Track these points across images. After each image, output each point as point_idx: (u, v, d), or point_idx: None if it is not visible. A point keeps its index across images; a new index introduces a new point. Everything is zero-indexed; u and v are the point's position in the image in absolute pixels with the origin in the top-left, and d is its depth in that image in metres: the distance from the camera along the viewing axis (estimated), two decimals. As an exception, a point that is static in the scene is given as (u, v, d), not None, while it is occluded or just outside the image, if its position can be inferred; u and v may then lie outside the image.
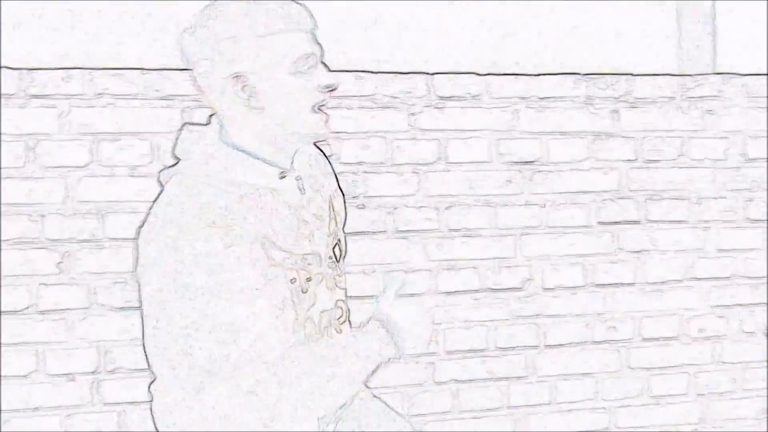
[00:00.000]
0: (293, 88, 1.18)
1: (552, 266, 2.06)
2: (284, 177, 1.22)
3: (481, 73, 2.02)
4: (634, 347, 2.11)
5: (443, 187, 2.00)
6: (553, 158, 2.06)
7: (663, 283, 2.12)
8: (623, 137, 2.09)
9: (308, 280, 1.23)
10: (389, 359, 1.27)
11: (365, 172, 1.95)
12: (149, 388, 1.23)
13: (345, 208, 1.42)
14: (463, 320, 2.01)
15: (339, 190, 1.41)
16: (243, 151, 1.21)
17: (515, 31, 2.04)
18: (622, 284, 2.10)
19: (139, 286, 1.20)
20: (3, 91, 1.77)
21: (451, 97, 2.00)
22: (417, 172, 1.99)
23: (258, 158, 1.21)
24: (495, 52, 2.03)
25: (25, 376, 1.80)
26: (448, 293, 2.00)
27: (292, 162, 1.26)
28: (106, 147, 1.82)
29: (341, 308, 1.31)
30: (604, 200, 2.09)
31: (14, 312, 1.79)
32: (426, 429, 2.01)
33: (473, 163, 2.01)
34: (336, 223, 1.36)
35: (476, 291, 2.02)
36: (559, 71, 2.07)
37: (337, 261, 1.33)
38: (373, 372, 1.27)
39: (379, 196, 1.96)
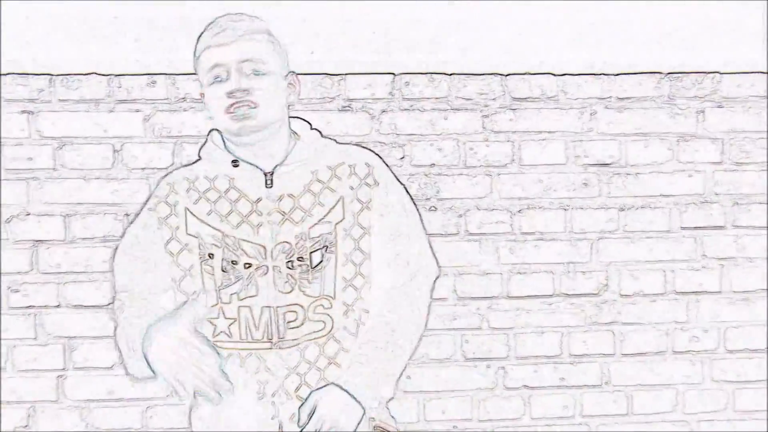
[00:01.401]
0: (211, 95, 1.46)
1: (630, 272, 2.05)
2: (236, 165, 1.45)
3: (556, 73, 2.03)
4: (717, 359, 2.07)
5: (516, 189, 2.02)
6: (632, 160, 2.05)
7: (750, 292, 2.07)
8: (709, 138, 2.06)
9: (233, 262, 1.41)
10: None
11: (437, 174, 2.00)
12: None
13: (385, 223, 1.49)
14: (536, 326, 2.03)
15: (386, 206, 1.49)
16: (221, 147, 1.49)
17: (592, 30, 2.04)
18: (706, 292, 2.06)
19: None
20: (93, 96, 1.93)
21: (525, 98, 2.02)
22: (490, 174, 2.02)
23: (225, 150, 1.47)
24: (571, 52, 2.04)
25: (109, 368, 1.94)
26: (520, 297, 2.03)
27: (283, 160, 1.46)
28: (187, 149, 1.95)
29: (295, 312, 1.42)
30: (687, 204, 2.06)
31: (99, 306, 1.93)
32: (496, 435, 2.04)
33: (548, 165, 2.03)
34: (340, 232, 1.44)
35: (549, 296, 2.03)
36: (639, 70, 2.05)
37: (312, 267, 1.42)
38: None
39: (451, 198, 2.00)
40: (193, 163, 1.55)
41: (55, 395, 1.94)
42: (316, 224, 1.44)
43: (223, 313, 1.43)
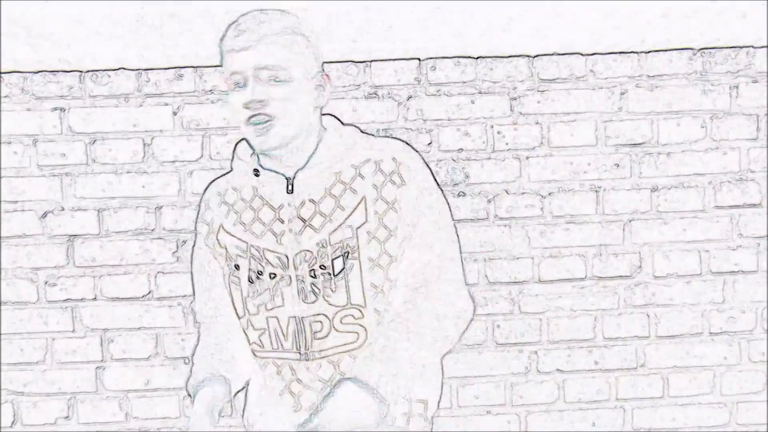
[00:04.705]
0: (231, 103, 1.42)
1: (663, 253, 2.13)
2: (257, 175, 1.45)
3: (585, 52, 2.10)
4: (755, 339, 2.15)
5: (546, 172, 2.11)
6: (663, 139, 2.12)
7: (787, 270, 2.14)
8: (743, 114, 2.12)
9: (259, 273, 1.43)
10: None
11: (465, 159, 2.10)
12: None
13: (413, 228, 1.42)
14: (568, 309, 2.13)
15: (414, 208, 1.42)
16: (246, 157, 1.49)
17: (621, 7, 2.10)
18: (743, 272, 2.14)
19: None
20: (122, 91, 2.06)
21: (554, 79, 2.10)
22: (518, 158, 2.11)
23: (246, 160, 1.48)
24: (600, 31, 2.10)
25: (146, 359, 2.09)
26: (552, 281, 2.12)
27: (307, 162, 1.44)
28: (215, 141, 2.08)
29: (321, 323, 1.41)
30: (721, 183, 2.13)
31: (135, 299, 2.08)
32: (529, 419, 2.14)
33: (578, 147, 2.11)
34: (358, 237, 1.40)
35: (582, 279, 2.13)
36: (670, 47, 2.11)
37: (334, 275, 1.40)
38: None
39: (480, 183, 2.10)
40: (228, 173, 1.54)
41: (94, 386, 2.09)
42: (336, 229, 1.41)
43: (252, 324, 1.45)
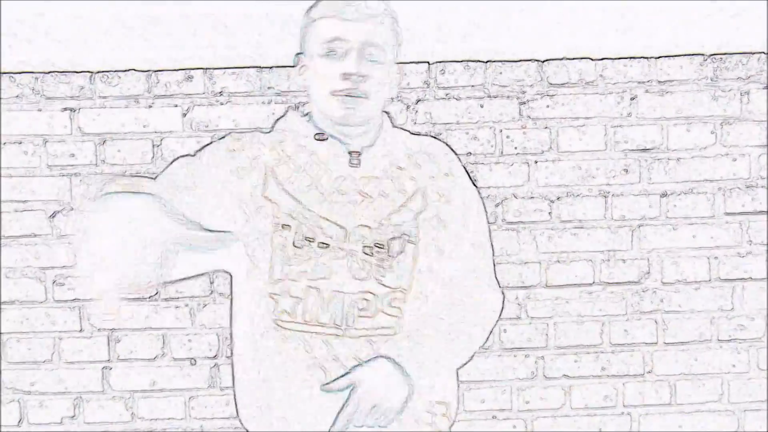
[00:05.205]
0: (319, 68, 1.41)
1: (672, 260, 2.14)
2: (322, 140, 1.44)
3: (595, 57, 2.12)
4: (764, 347, 2.15)
5: (554, 177, 2.12)
6: (673, 145, 2.13)
7: (797, 278, 2.14)
8: (754, 121, 2.13)
9: (309, 239, 1.39)
10: None
11: (474, 163, 2.11)
12: None
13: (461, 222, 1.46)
14: (576, 315, 2.14)
15: (464, 203, 1.47)
16: (305, 120, 1.47)
17: (631, 11, 2.11)
18: (752, 279, 2.14)
19: None
20: (132, 92, 2.09)
21: (563, 83, 2.12)
22: (527, 162, 2.13)
23: (307, 124, 1.46)
24: (610, 35, 2.11)
25: (152, 360, 2.11)
26: (560, 286, 2.13)
27: (373, 143, 1.45)
28: (224, 143, 2.10)
29: (367, 300, 1.39)
30: (731, 189, 2.14)
31: (142, 299, 2.10)
32: (535, 425, 2.15)
33: (587, 152, 2.12)
34: (414, 217, 1.42)
35: (590, 284, 2.13)
36: (681, 53, 2.12)
37: (390, 255, 1.40)
38: None
39: (488, 187, 2.11)
40: (266, 133, 1.50)
41: (100, 386, 2.11)
42: (397, 211, 1.43)
43: (288, 291, 1.39)
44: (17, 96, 2.07)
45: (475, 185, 1.55)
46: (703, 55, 2.11)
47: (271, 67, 2.07)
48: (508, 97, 2.11)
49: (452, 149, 1.54)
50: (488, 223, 1.55)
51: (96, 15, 2.04)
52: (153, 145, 2.10)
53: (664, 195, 2.13)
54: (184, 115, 2.09)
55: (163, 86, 2.08)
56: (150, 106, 2.09)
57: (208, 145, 1.51)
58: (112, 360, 2.11)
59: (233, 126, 2.09)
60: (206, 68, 2.07)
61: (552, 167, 2.12)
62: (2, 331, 2.08)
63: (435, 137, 1.63)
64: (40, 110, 2.08)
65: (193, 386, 2.11)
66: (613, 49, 2.11)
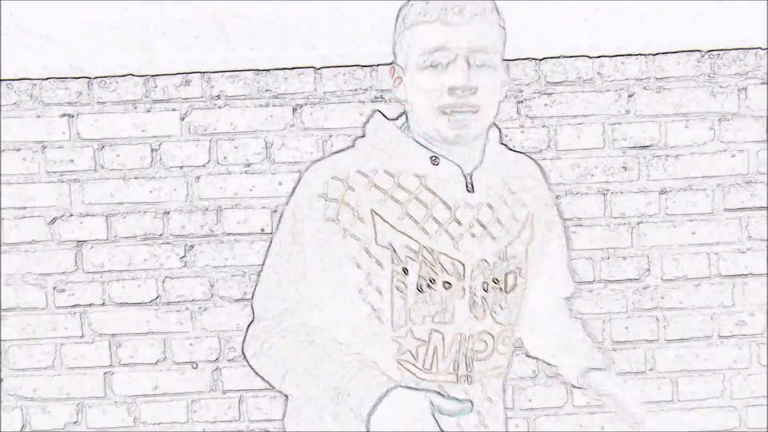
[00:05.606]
0: (421, 83, 1.22)
1: (672, 256, 2.15)
2: (437, 163, 1.25)
3: (592, 55, 2.13)
4: (765, 342, 2.16)
5: (553, 175, 2.13)
6: (672, 141, 2.14)
7: (797, 273, 2.16)
8: (752, 116, 2.14)
9: (431, 280, 1.23)
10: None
11: (472, 162, 2.12)
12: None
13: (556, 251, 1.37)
14: (577, 313, 2.15)
15: (558, 226, 1.37)
16: (410, 137, 1.28)
17: (628, 9, 2.12)
18: (752, 275, 2.15)
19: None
20: (130, 97, 2.10)
21: (561, 82, 2.13)
22: (526, 161, 2.14)
23: (418, 144, 1.27)
24: (607, 33, 2.12)
25: (154, 364, 2.13)
26: (560, 285, 2.15)
27: (481, 161, 1.28)
28: (222, 146, 2.11)
29: (485, 342, 1.26)
30: (730, 185, 2.15)
31: (143, 304, 2.11)
32: (537, 423, 2.16)
33: (585, 150, 2.14)
34: (525, 250, 1.29)
35: (590, 282, 2.15)
36: (678, 49, 2.13)
37: (506, 291, 1.27)
38: None
39: (487, 187, 2.12)
40: (346, 149, 1.32)
41: (102, 391, 2.13)
42: (512, 242, 1.27)
43: (412, 333, 1.24)
44: (15, 103, 2.08)
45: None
46: (700, 51, 2.12)
47: (268, 70, 2.08)
48: (506, 96, 2.12)
49: (541, 168, 1.39)
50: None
51: (93, 21, 2.05)
52: (152, 150, 2.11)
53: (663, 192, 2.14)
54: (183, 119, 2.11)
55: (161, 91, 2.09)
56: (148, 111, 2.10)
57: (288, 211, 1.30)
58: (114, 365, 2.12)
59: (231, 129, 2.10)
60: (204, 72, 2.08)
61: (551, 165, 2.13)
62: (3, 338, 2.09)
63: (526, 154, 1.44)
64: (38, 116, 2.09)
65: (195, 390, 2.12)
66: (610, 46, 2.12)
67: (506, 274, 1.27)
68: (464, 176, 1.26)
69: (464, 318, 1.25)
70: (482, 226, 1.26)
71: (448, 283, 1.24)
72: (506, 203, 1.28)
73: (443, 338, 1.25)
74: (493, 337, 1.27)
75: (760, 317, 2.15)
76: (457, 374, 1.26)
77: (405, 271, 1.23)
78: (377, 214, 1.24)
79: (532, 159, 1.39)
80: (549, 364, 1.51)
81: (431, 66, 1.22)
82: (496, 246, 1.26)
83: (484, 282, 1.26)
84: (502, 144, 1.36)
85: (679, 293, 2.15)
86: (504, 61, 1.30)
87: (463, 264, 1.25)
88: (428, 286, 1.23)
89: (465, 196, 1.26)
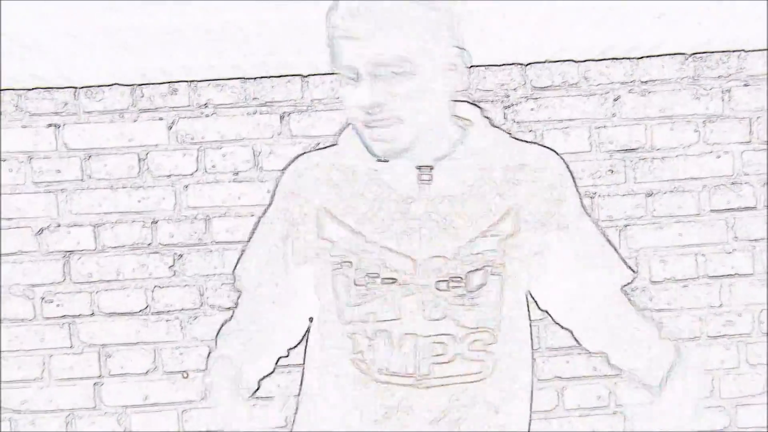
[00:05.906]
0: (343, 98, 1.20)
1: (660, 258, 2.17)
2: (384, 161, 1.22)
3: (578, 59, 2.15)
4: (752, 342, 2.19)
5: (541, 179, 2.15)
6: (657, 144, 2.16)
7: (783, 273, 2.18)
8: (736, 118, 2.17)
9: (372, 275, 1.20)
10: None
11: (460, 167, 2.14)
12: None
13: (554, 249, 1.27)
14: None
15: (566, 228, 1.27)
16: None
17: (613, 13, 2.14)
18: (739, 275, 2.18)
19: None
20: (117, 107, 2.10)
21: (547, 86, 2.14)
22: (513, 166, 2.15)
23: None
24: (592, 37, 2.14)
25: (144, 374, 2.12)
26: (549, 288, 2.16)
27: (451, 152, 1.23)
28: (210, 155, 2.12)
29: (444, 344, 1.20)
30: (716, 186, 2.17)
31: (132, 313, 2.11)
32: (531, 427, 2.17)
33: (572, 153, 2.15)
34: (510, 247, 1.22)
35: (579, 285, 2.16)
36: (662, 52, 2.16)
37: (469, 290, 1.21)
38: None
39: (475, 192, 2.14)
40: (326, 147, 1.31)
41: (92, 402, 2.12)
42: (479, 237, 1.20)
43: (366, 332, 1.21)
44: (0, 113, 2.08)
45: (588, 215, 1.32)
46: (684, 54, 2.15)
47: (255, 78, 2.09)
48: (493, 101, 2.13)
49: (568, 166, 1.30)
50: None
51: (79, 31, 2.05)
52: (139, 159, 2.11)
53: (649, 194, 2.16)
54: (170, 128, 2.11)
55: (148, 100, 2.09)
56: (135, 120, 2.10)
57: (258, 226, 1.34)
58: (104, 375, 2.11)
59: (219, 137, 2.10)
60: (191, 81, 2.09)
61: (538, 170, 2.14)
62: (-8, 350, 2.09)
63: (548, 147, 1.36)
64: (24, 127, 2.09)
65: (185, 399, 2.12)
66: (596, 50, 2.14)
67: (469, 272, 1.21)
68: (417, 168, 1.22)
69: (415, 318, 1.20)
70: (439, 220, 1.21)
71: (392, 278, 1.20)
72: (481, 195, 1.22)
73: (390, 338, 1.20)
74: (455, 340, 1.20)
75: (747, 317, 2.17)
76: (413, 377, 1.21)
77: (345, 263, 1.21)
78: (327, 209, 1.24)
79: (551, 150, 1.31)
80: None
81: (349, 81, 1.19)
82: (458, 242, 1.20)
83: (440, 280, 1.20)
84: (504, 131, 1.33)
85: (667, 294, 2.17)
86: (459, 49, 1.26)
87: (413, 259, 1.20)
88: (370, 280, 1.20)
89: (420, 189, 1.21)
